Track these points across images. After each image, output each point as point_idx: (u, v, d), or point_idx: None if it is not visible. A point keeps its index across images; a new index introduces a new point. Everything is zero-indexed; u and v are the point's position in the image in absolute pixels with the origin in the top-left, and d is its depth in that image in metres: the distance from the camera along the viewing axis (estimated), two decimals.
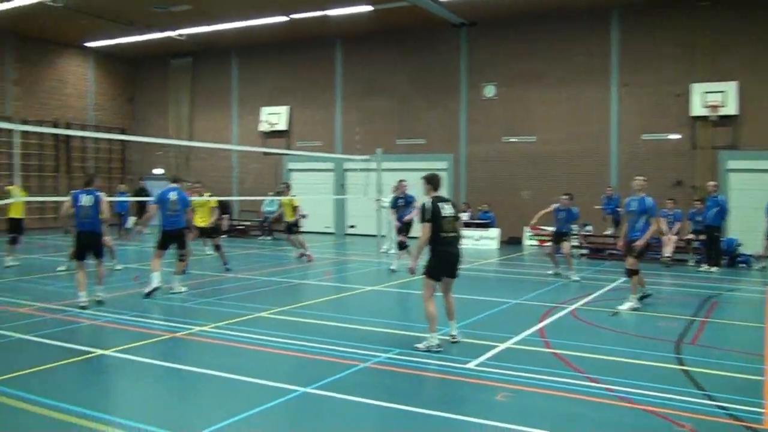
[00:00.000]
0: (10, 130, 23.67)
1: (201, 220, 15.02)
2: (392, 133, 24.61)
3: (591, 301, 11.18)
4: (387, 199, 18.68)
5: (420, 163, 23.90)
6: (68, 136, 27.52)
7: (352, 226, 25.21)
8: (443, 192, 8.20)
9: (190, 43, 26.66)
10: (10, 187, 14.94)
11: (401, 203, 14.93)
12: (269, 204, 23.47)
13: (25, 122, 24.92)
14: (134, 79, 30.99)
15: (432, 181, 8.00)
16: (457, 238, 7.92)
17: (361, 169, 21.02)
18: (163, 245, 11.23)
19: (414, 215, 14.49)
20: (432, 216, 7.75)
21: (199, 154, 27.99)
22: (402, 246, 14.54)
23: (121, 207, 22.54)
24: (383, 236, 18.95)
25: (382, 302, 11.35)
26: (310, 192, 24.34)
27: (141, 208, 22.21)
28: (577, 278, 13.39)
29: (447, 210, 7.85)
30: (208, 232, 15.22)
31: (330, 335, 8.49)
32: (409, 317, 9.72)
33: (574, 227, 16.20)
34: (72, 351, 7.72)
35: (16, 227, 15.05)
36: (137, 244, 20.72)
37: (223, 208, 22.94)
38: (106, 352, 7.64)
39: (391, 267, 14.63)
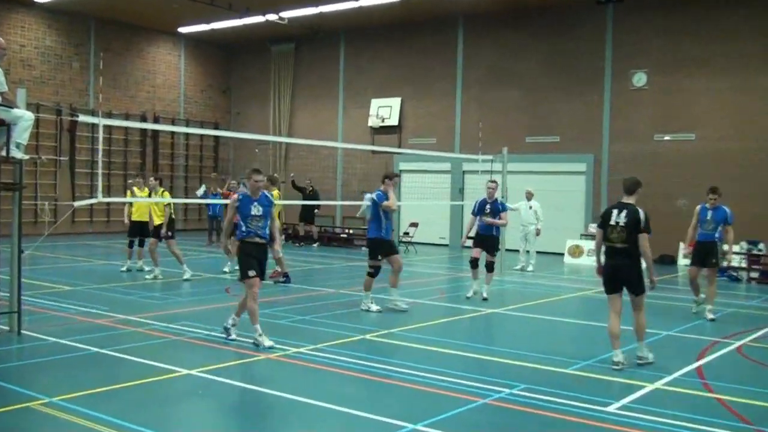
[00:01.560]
0: (92, 125, 25.21)
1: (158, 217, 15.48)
2: (520, 130, 24.24)
3: (762, 336, 10.62)
4: (515, 206, 18.37)
5: (553, 165, 23.38)
6: (156, 132, 28.93)
7: (471, 238, 25.00)
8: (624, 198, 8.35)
9: (292, 26, 27.32)
10: (136, 188, 15.93)
11: (488, 211, 13.71)
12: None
13: (109, 116, 26.42)
14: (229, 69, 32.16)
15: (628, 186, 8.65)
16: (624, 250, 8.38)
17: (483, 171, 20.80)
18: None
19: (499, 221, 13.62)
20: (600, 221, 8.64)
21: (299, 152, 28.64)
22: (474, 264, 13.66)
23: (214, 210, 23.43)
24: (517, 251, 18.62)
25: (505, 327, 11.17)
26: (423, 197, 24.32)
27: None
28: (713, 317, 11.82)
29: (615, 218, 8.47)
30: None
31: (444, 364, 8.38)
32: (537, 346, 9.49)
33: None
34: (154, 369, 7.95)
35: (140, 231, 16.01)
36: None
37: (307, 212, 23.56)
38: (192, 372, 7.82)
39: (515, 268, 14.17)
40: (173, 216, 15.45)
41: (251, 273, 9.22)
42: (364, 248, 23.56)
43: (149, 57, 29.26)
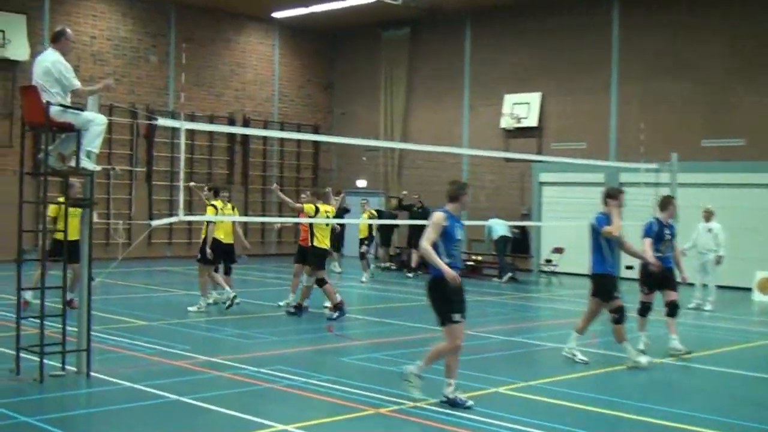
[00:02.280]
0: (173, 130, 26.13)
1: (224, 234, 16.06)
2: (694, 131, 23.57)
3: None
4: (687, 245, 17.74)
5: (738, 176, 22.55)
6: (246, 137, 29.70)
7: (629, 267, 24.46)
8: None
9: (407, 7, 27.57)
10: (219, 203, 16.27)
11: (668, 237, 12.63)
12: (501, 227, 23.49)
13: (192, 118, 27.32)
14: (332, 60, 32.75)
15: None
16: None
17: (647, 184, 20.22)
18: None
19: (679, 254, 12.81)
20: None
21: (415, 160, 28.77)
22: (646, 310, 12.76)
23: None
24: (691, 285, 18.05)
25: (677, 383, 10.85)
26: (569, 215, 23.87)
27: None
28: None
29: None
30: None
31: (597, 426, 8.23)
32: (719, 408, 9.15)
33: None
34: (241, 422, 8.05)
35: (225, 254, 16.40)
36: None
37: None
38: (288, 428, 7.85)
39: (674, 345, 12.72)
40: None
41: (457, 317, 8.85)
42: (497, 279, 23.38)
43: (238, 48, 30.15)
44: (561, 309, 17.87)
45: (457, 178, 27.42)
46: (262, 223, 29.68)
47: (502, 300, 19.51)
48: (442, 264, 8.79)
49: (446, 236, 9.00)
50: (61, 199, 14.97)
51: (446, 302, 8.87)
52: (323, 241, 15.18)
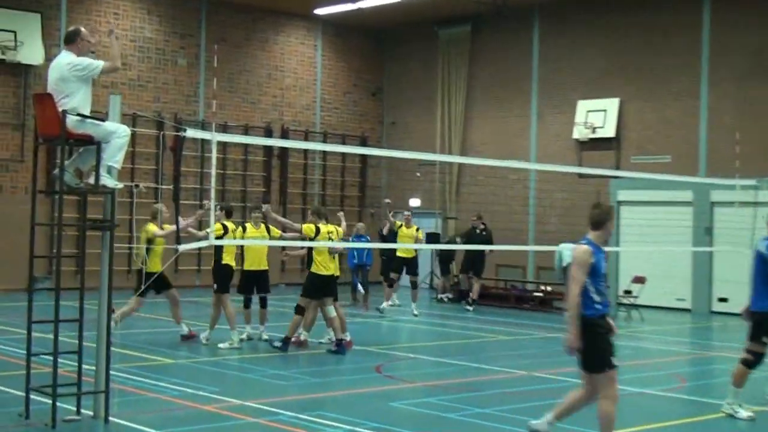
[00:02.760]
0: (203, 142, 26.23)
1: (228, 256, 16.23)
2: None
3: None
4: None
5: None
6: (285, 150, 29.86)
7: (723, 300, 24.11)
8: None
9: (468, 1, 27.57)
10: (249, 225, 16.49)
11: None
12: (566, 253, 23.29)
13: (224, 129, 27.53)
14: (382, 63, 32.87)
15: None
16: None
17: (743, 204, 19.96)
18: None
19: None
20: None
21: (476, 175, 28.67)
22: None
23: (360, 257, 23.53)
24: None
25: None
26: (652, 239, 23.66)
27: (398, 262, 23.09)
28: None
29: None
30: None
31: None
32: None
33: None
34: None
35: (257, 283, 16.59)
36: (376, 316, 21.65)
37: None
38: None
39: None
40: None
41: (614, 362, 8.63)
42: (557, 310, 23.21)
43: (276, 49, 30.38)
44: (643, 348, 17.66)
45: (524, 196, 27.90)
46: (302, 248, 29.65)
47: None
48: (573, 328, 8.51)
49: (594, 272, 8.65)
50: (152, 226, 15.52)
51: (602, 347, 8.60)
52: (324, 267, 15.23)
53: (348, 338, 15.63)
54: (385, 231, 22.62)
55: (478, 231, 24.37)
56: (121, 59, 10.20)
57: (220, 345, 15.56)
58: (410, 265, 22.50)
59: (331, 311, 15.23)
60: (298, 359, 14.92)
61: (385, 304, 22.11)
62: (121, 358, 13.21)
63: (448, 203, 30.17)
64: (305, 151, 30.54)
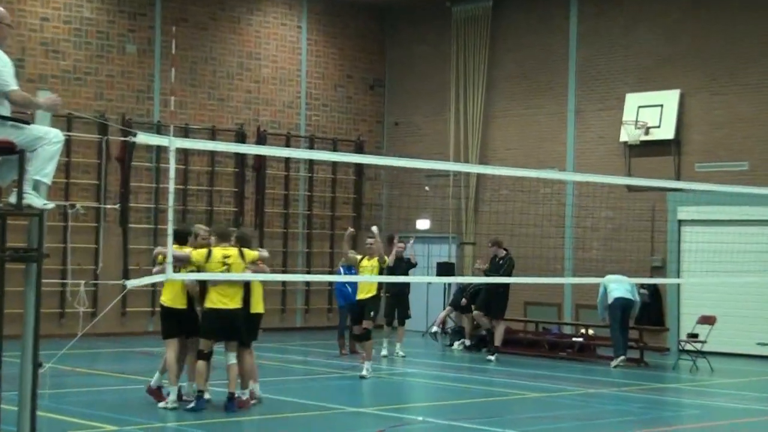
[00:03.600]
0: (159, 149, 26.14)
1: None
2: None
3: None
4: None
5: None
6: (262, 159, 29.69)
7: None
8: None
9: None
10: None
11: None
12: (620, 286, 23.11)
13: (185, 133, 27.52)
14: (383, 48, 32.88)
15: None
16: None
17: None
18: None
19: None
20: None
21: (499, 189, 28.54)
22: None
23: (349, 296, 22.92)
24: None
25: None
26: (723, 267, 23.49)
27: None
28: None
29: None
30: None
31: None
32: None
33: None
34: None
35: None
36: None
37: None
38: None
39: None
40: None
41: None
42: (601, 359, 23.08)
43: (250, 32, 30.34)
44: (713, 406, 17.65)
45: (559, 215, 27.77)
46: (283, 284, 29.61)
47: (623, 392, 19.30)
48: None
49: None
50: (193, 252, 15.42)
51: None
52: (218, 302, 15.07)
53: (245, 396, 15.52)
54: (390, 261, 22.51)
55: (498, 260, 24.05)
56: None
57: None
58: (366, 307, 20.41)
59: (230, 357, 15.26)
60: (284, 423, 14.89)
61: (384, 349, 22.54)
62: (51, 426, 13.06)
63: (464, 225, 30.09)
64: (287, 160, 30.50)
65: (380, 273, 20.21)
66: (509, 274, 23.40)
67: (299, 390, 18.08)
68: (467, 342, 25.96)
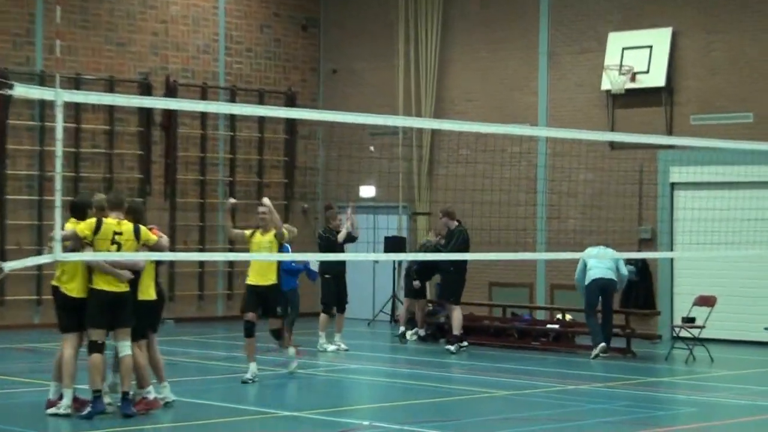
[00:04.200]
0: (43, 104, 25.80)
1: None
2: None
3: None
4: None
5: None
6: (173, 115, 29.60)
7: None
8: None
9: None
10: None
11: None
12: (609, 263, 23.25)
13: (76, 84, 27.40)
14: None
15: None
16: None
17: None
18: None
19: None
20: None
21: (458, 149, 28.48)
22: None
23: (289, 282, 22.87)
24: None
25: None
26: (725, 238, 23.65)
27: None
28: None
29: None
30: None
31: None
32: None
33: None
34: None
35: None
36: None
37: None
38: None
39: None
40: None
41: None
42: (580, 349, 23.22)
43: None
44: (713, 403, 17.78)
45: (529, 178, 27.80)
46: (201, 265, 29.54)
47: (607, 389, 19.41)
48: None
49: None
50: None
51: None
52: (103, 283, 15.00)
53: (151, 396, 15.40)
54: (341, 237, 22.59)
55: (461, 237, 24.02)
56: None
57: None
58: (268, 298, 19.62)
59: (123, 348, 15.12)
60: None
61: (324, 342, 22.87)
62: None
63: (417, 192, 30.10)
64: (203, 116, 30.42)
65: (280, 250, 19.62)
66: (460, 250, 23.34)
67: (221, 391, 18.16)
68: (421, 332, 26.01)
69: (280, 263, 19.01)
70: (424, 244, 26.32)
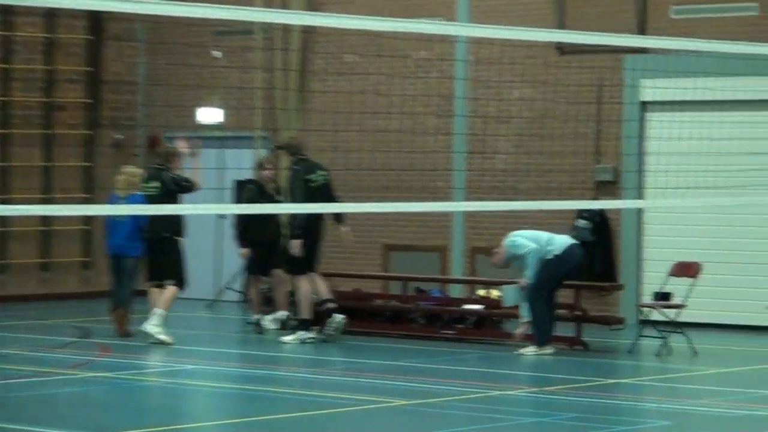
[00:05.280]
0: None
1: None
2: None
3: None
4: None
5: None
6: None
7: None
8: None
9: None
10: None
11: None
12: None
13: None
14: None
15: None
16: None
17: None
18: None
19: None
20: None
21: (340, 56, 28.60)
22: None
23: (117, 239, 23.38)
24: None
25: None
26: (714, 181, 23.81)
27: None
28: None
29: None
30: None
31: None
32: None
33: None
34: None
35: None
36: None
37: None
38: None
39: None
40: None
41: None
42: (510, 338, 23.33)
43: None
44: (694, 414, 18.22)
45: (444, 96, 27.78)
46: None
47: (548, 396, 19.59)
48: None
49: None
50: None
51: None
52: None
53: None
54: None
55: (300, 182, 23.78)
56: None
57: None
58: None
59: None
60: None
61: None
62: None
63: (281, 116, 30.01)
64: None
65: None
66: (330, 197, 23.25)
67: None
68: (281, 315, 25.82)
69: None
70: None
